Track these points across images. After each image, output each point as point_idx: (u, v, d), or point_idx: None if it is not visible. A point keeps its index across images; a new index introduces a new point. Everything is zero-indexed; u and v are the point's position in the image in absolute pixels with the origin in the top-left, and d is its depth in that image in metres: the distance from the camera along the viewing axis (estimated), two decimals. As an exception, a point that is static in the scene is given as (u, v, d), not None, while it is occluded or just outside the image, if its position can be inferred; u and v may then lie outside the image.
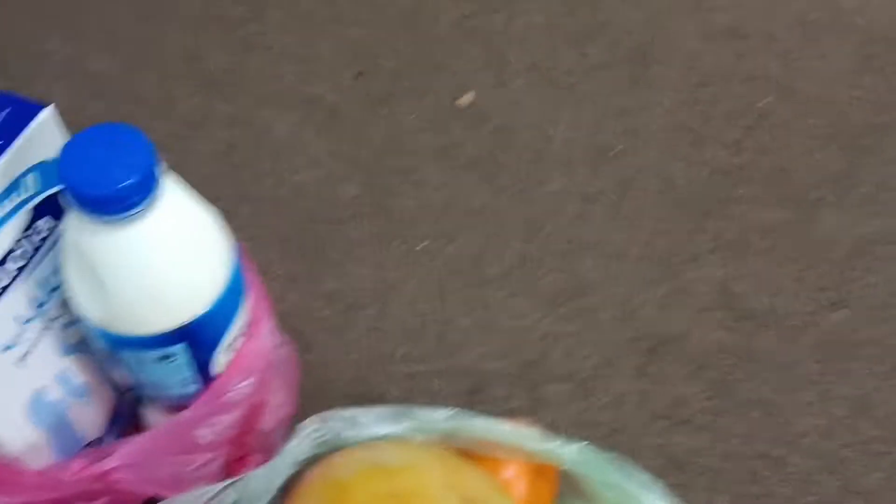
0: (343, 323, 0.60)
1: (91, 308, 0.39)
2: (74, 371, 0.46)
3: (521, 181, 0.67)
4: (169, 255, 0.38)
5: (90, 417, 0.48)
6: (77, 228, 0.37)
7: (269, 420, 0.50)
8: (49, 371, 0.44)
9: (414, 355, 0.59)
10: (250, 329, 0.46)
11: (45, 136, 0.39)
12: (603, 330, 0.60)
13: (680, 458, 0.55)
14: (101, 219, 0.36)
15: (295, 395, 0.54)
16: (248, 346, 0.46)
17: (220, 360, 0.44)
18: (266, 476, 0.41)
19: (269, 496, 0.41)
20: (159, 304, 0.39)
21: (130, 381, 0.45)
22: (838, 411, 0.56)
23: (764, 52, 0.75)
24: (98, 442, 0.50)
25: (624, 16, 0.77)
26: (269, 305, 0.48)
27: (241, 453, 0.50)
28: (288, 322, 0.58)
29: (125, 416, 0.51)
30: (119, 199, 0.35)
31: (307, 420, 0.42)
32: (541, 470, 0.47)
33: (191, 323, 0.40)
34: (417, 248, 0.64)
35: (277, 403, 0.51)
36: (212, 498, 0.41)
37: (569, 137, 0.70)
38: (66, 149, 0.36)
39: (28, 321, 0.42)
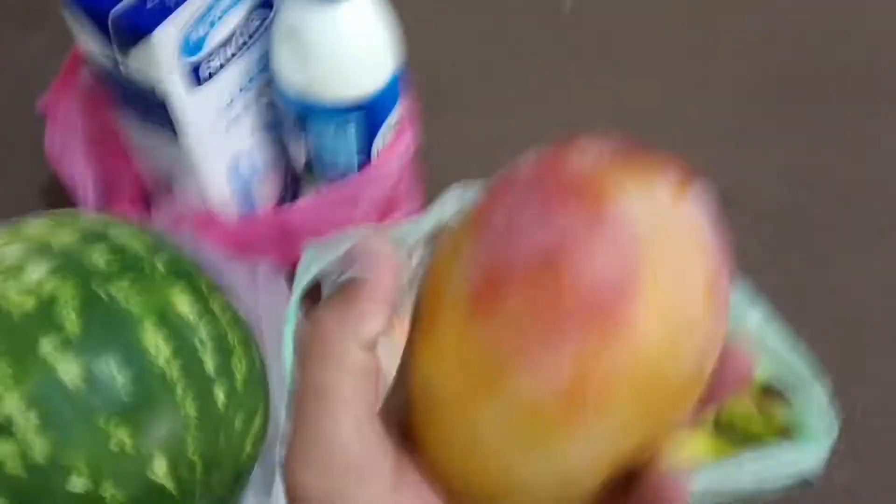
0: (459, 163, 0.72)
1: (294, 78, 0.51)
2: (262, 147, 0.59)
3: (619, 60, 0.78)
4: (362, 33, 0.50)
5: (265, 191, 0.61)
6: (293, 8, 0.49)
7: (404, 205, 0.62)
8: (245, 142, 0.57)
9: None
10: (400, 126, 0.58)
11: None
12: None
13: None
14: (317, -4, 0.48)
15: (422, 194, 0.65)
16: (398, 139, 0.58)
17: (379, 143, 0.56)
18: (415, 225, 0.52)
19: (416, 241, 0.52)
20: (349, 75, 0.51)
21: (306, 154, 0.57)
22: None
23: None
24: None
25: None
26: (414, 115, 0.60)
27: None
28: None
29: (289, 201, 0.63)
30: (334, -22, 0.47)
31: (453, 186, 0.54)
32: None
33: (368, 97, 0.52)
34: (527, 108, 0.75)
35: (410, 193, 0.63)
36: (376, 232, 0.52)
37: (662, 26, 0.80)
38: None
39: (239, 93, 0.54)
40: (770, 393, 0.50)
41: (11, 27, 0.78)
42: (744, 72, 0.77)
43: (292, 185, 0.63)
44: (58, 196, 0.62)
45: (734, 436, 0.54)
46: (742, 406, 0.53)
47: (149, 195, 0.60)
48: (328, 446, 0.22)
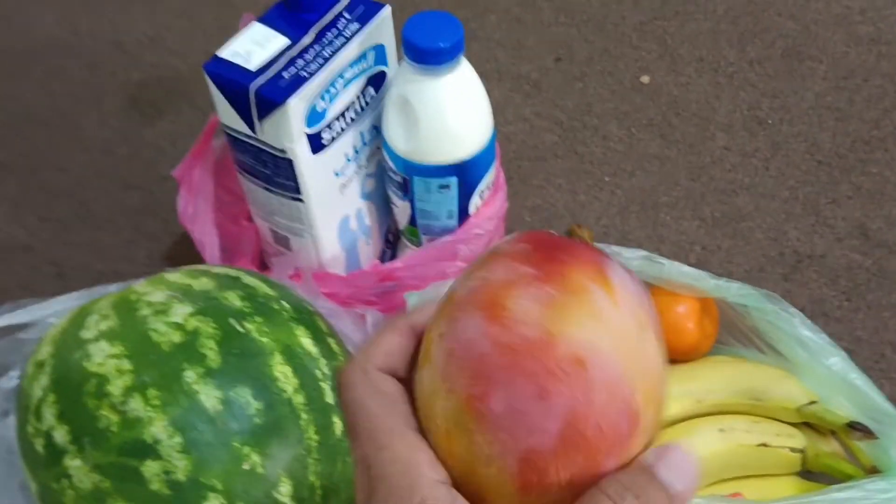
0: (543, 226, 0.76)
1: (402, 142, 0.57)
2: (366, 213, 0.65)
3: (689, 138, 0.83)
4: (464, 101, 0.56)
5: (368, 251, 0.66)
6: (405, 79, 0.56)
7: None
8: (353, 205, 0.63)
9: (598, 255, 0.74)
10: (493, 189, 0.63)
11: (382, 26, 0.58)
12: (755, 246, 0.74)
13: (817, 339, 0.67)
14: (424, 69, 0.54)
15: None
16: (491, 199, 0.63)
17: (475, 202, 0.61)
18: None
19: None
20: (451, 139, 0.56)
21: (410, 212, 0.62)
22: (957, 315, 0.67)
23: (904, 55, 0.88)
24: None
25: (781, 24, 0.93)
26: (504, 180, 0.65)
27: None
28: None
29: (387, 261, 0.69)
30: (440, 53, 0.53)
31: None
32: (707, 309, 0.61)
33: (466, 160, 0.58)
34: (604, 181, 0.80)
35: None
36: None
37: (730, 110, 0.85)
38: (409, 23, 0.54)
39: (349, 160, 0.60)
40: (854, 431, 0.52)
41: (139, 117, 0.88)
42: (813, 138, 0.81)
43: (389, 246, 0.68)
44: (185, 255, 0.69)
45: (824, 478, 0.56)
46: (829, 446, 0.55)
47: (264, 255, 0.67)
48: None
